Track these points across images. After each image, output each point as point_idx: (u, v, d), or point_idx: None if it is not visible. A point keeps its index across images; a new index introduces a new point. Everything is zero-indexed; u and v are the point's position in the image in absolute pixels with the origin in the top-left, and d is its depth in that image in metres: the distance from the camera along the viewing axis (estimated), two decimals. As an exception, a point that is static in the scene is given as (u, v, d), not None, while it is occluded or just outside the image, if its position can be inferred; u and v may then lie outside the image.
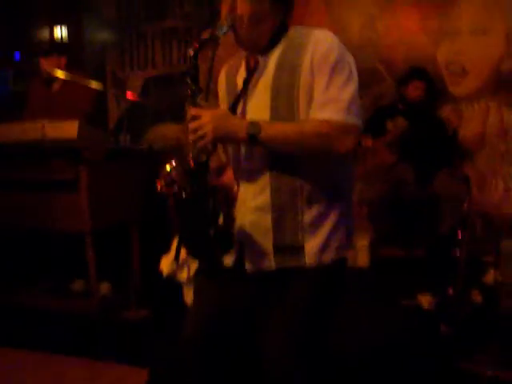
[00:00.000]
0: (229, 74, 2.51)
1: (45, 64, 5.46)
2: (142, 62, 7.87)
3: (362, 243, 5.54)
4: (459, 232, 5.09)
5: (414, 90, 5.76)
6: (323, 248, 2.27)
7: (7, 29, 7.91)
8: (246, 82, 2.36)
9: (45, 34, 8.10)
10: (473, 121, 6.14)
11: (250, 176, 2.33)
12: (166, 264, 3.79)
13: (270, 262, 2.28)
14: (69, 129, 4.59)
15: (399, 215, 5.58)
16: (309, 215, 2.26)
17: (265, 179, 2.28)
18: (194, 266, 3.94)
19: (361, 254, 5.53)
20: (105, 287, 5.10)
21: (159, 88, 7.50)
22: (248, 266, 2.32)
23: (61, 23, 8.06)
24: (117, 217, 4.96)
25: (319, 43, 2.26)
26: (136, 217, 5.16)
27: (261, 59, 2.35)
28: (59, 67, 5.50)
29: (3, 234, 4.98)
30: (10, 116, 6.01)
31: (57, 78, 5.48)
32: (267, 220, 2.28)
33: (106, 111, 7.83)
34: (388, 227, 5.69)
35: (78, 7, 8.22)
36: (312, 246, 2.26)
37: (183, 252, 4.20)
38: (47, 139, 4.63)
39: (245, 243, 2.32)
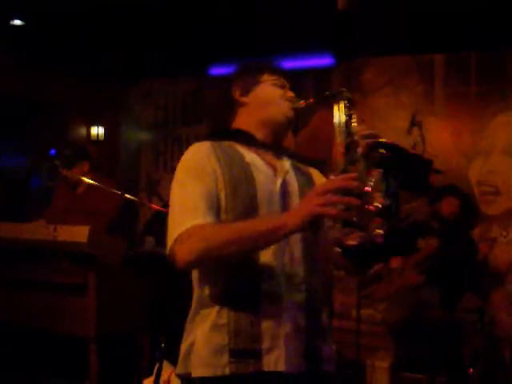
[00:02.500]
0: (230, 163, 2.20)
1: (68, 174, 5.48)
2: (176, 165, 7.90)
3: (382, 365, 5.31)
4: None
5: (449, 207, 5.61)
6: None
7: (46, 126, 8.05)
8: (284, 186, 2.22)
9: (82, 132, 8.24)
10: (504, 244, 5.94)
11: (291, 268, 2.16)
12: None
13: (302, 365, 2.10)
14: (80, 233, 4.53)
15: (422, 338, 5.34)
16: (325, 317, 2.21)
17: (301, 275, 2.15)
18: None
19: (380, 376, 5.29)
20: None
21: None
22: (284, 367, 2.08)
23: (98, 123, 8.19)
24: (124, 324, 4.82)
25: None
26: (144, 325, 5.01)
27: (278, 162, 2.29)
28: (82, 173, 5.50)
29: (10, 331, 4.90)
30: (38, 210, 6.06)
31: (82, 181, 5.47)
32: (302, 318, 2.12)
33: (137, 214, 7.86)
34: (410, 350, 5.45)
35: (116, 108, 8.38)
36: (332, 349, 2.21)
37: (165, 375, 4.06)
38: (58, 241, 4.58)
39: (284, 342, 2.09)
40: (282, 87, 2.34)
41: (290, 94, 2.34)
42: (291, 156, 2.38)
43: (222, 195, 2.10)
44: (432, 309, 5.28)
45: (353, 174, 1.91)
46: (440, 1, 5.24)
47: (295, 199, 2.20)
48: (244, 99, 2.34)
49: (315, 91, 7.22)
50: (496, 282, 5.85)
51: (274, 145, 2.33)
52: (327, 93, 2.25)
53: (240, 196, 2.10)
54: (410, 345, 5.49)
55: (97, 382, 4.66)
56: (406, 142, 6.59)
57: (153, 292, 5.00)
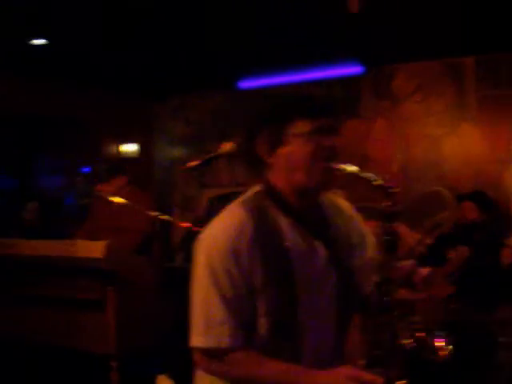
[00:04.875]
0: (268, 254, 1.92)
1: (104, 188, 5.46)
2: (209, 181, 7.86)
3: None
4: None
5: (467, 213, 5.45)
6: None
7: (79, 144, 8.12)
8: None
9: (114, 149, 8.28)
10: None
11: None
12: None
13: None
14: (97, 248, 4.49)
15: (456, 353, 5.13)
16: None
17: None
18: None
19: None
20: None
21: (223, 207, 7.44)
22: None
23: (130, 140, 8.23)
24: (145, 341, 4.75)
25: None
26: (163, 342, 4.94)
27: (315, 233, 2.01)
28: (120, 187, 5.49)
29: (30, 348, 4.89)
30: (72, 228, 6.08)
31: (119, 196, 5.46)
32: None
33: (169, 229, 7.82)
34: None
35: (149, 124, 8.41)
36: None
37: None
38: (76, 257, 4.55)
39: None
40: (316, 140, 1.89)
41: (330, 144, 1.91)
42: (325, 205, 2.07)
43: (260, 295, 1.88)
44: (465, 322, 5.11)
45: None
46: (468, 3, 5.10)
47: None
48: (269, 159, 1.94)
49: (344, 100, 7.13)
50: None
51: (310, 205, 2.00)
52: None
53: (278, 295, 1.89)
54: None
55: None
56: (438, 149, 6.46)
57: (179, 308, 4.93)
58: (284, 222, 1.93)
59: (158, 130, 8.52)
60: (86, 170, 7.90)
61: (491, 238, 5.50)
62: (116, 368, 4.55)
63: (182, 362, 2.09)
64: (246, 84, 7.59)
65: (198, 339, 1.89)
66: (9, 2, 5.08)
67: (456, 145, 6.36)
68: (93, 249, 4.52)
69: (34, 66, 6.93)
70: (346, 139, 1.97)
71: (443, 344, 1.99)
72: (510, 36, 5.73)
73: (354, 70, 6.89)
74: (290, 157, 1.90)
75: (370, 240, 2.11)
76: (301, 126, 1.89)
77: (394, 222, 1.86)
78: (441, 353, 1.98)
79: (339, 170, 1.89)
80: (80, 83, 7.57)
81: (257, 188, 2.00)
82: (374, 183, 1.87)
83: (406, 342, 1.94)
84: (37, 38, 5.99)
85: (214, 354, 1.89)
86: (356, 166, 1.91)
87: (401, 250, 1.96)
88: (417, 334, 1.95)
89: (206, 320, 1.88)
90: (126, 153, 8.25)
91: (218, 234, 1.89)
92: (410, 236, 5.91)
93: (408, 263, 2.09)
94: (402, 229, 5.62)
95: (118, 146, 8.26)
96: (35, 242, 4.91)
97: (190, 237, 6.86)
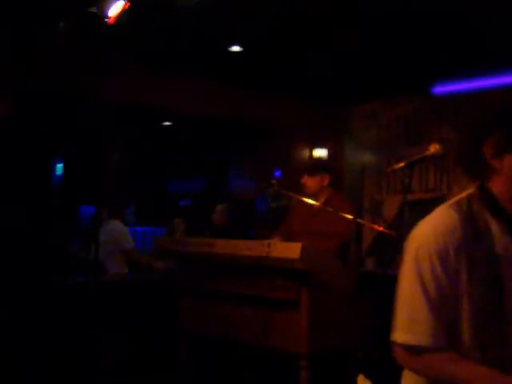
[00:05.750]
0: (477, 258, 1.92)
1: (308, 182, 5.49)
2: (399, 186, 7.78)
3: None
4: None
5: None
6: None
7: (272, 149, 8.31)
8: None
9: (305, 154, 8.39)
10: None
11: None
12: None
13: None
14: (293, 249, 4.56)
15: None
16: None
17: None
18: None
19: None
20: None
21: (414, 213, 7.33)
22: None
23: (321, 145, 8.31)
24: (337, 342, 4.76)
25: None
26: (356, 345, 4.92)
27: None
28: (322, 185, 5.48)
29: (223, 345, 5.05)
30: (265, 230, 6.22)
31: (319, 197, 5.45)
32: None
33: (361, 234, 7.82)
34: None
35: (340, 130, 8.46)
36: None
37: None
38: (272, 257, 4.64)
39: None
40: None
41: None
42: None
43: (464, 299, 1.87)
44: None
45: None
46: None
47: None
48: (495, 163, 1.88)
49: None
50: None
51: None
52: None
53: (484, 302, 1.87)
54: None
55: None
56: None
57: (374, 312, 4.90)
58: (496, 228, 1.89)
59: (349, 135, 8.56)
60: (277, 173, 8.06)
61: None
62: (306, 367, 4.62)
63: (381, 364, 2.10)
64: (440, 89, 7.45)
65: (399, 335, 1.91)
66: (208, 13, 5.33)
67: None
68: (289, 250, 4.60)
69: (232, 72, 7.18)
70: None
71: None
72: None
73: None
74: None
75: None
76: None
77: None
78: None
79: None
80: (274, 90, 7.75)
81: (468, 191, 1.98)
82: None
83: None
84: (234, 45, 6.22)
85: (414, 351, 1.90)
86: None
87: None
88: None
89: (409, 317, 1.89)
90: (318, 157, 8.35)
91: (427, 234, 1.90)
92: None
93: None
94: None
95: (310, 151, 8.38)
96: (232, 242, 5.05)
97: (382, 241, 6.86)
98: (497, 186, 1.91)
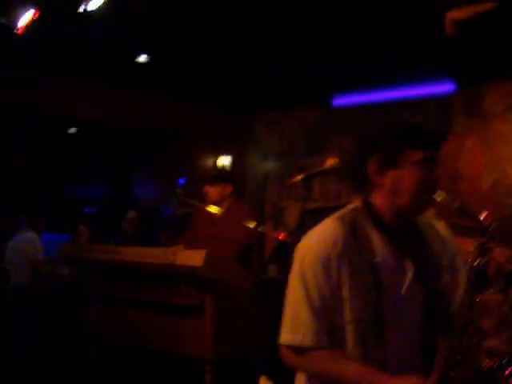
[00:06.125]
0: (358, 267, 2.09)
1: (210, 191, 5.61)
2: (301, 194, 7.99)
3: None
4: None
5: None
6: None
7: (176, 156, 8.40)
8: None
9: (209, 162, 8.52)
10: None
11: None
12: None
13: None
14: (196, 257, 4.69)
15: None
16: None
17: None
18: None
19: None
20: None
21: (314, 220, 7.58)
22: None
23: (225, 153, 8.46)
24: (241, 347, 4.92)
25: None
26: (259, 348, 5.09)
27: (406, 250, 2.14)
28: (223, 195, 5.62)
29: (128, 352, 5.12)
30: (170, 237, 6.30)
31: (221, 205, 5.57)
32: None
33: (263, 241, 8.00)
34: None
35: (243, 138, 8.63)
36: None
37: None
38: (176, 265, 4.76)
39: None
40: (426, 168, 2.05)
41: (435, 176, 2.06)
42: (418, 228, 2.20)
43: (346, 304, 2.06)
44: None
45: None
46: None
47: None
48: (378, 179, 2.08)
49: (437, 118, 7.18)
50: None
51: (404, 224, 2.15)
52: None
53: (365, 306, 2.05)
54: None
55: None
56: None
57: (273, 317, 5.06)
58: (377, 239, 2.10)
59: (253, 143, 8.73)
60: (181, 181, 8.16)
61: None
62: (211, 371, 4.77)
63: (282, 365, 2.28)
64: (340, 101, 7.72)
65: (285, 337, 2.12)
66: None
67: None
68: (192, 257, 4.73)
69: (139, 81, 7.25)
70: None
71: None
72: None
73: (446, 88, 6.94)
74: (399, 181, 2.05)
75: (462, 263, 2.22)
76: (414, 155, 2.03)
77: (487, 256, 2.00)
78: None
79: (441, 202, 2.04)
80: (180, 98, 7.85)
81: (354, 204, 2.17)
82: (474, 219, 2.01)
83: (483, 366, 2.05)
84: (141, 54, 6.31)
85: (298, 351, 2.10)
86: (447, 182, 2.06)
87: (490, 268, 2.07)
88: (492, 361, 2.05)
89: (294, 320, 2.11)
90: (222, 166, 8.49)
91: (312, 245, 2.10)
92: (499, 253, 5.93)
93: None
94: (492, 246, 5.65)
95: (214, 159, 8.51)
96: (137, 249, 5.17)
97: (283, 249, 7.07)
98: (378, 200, 2.11)
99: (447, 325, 2.07)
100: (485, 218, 2.01)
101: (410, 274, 2.10)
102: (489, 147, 6.74)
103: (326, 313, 2.07)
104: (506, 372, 2.07)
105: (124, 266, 5.09)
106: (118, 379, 5.30)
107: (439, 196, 2.05)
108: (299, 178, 4.21)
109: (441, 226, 2.28)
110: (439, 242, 2.22)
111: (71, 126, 9.01)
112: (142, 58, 6.25)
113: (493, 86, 6.83)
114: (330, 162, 4.22)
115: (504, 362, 2.07)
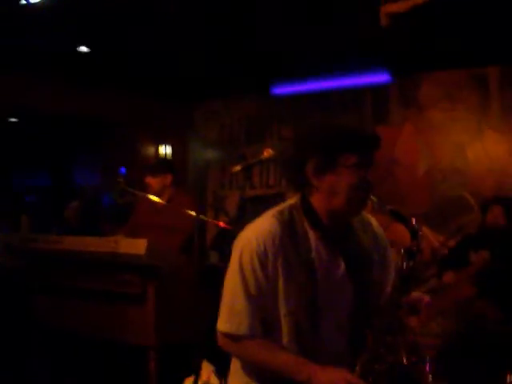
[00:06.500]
0: (295, 264, 2.19)
1: (151, 182, 5.64)
2: (241, 182, 8.08)
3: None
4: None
5: (492, 216, 5.59)
6: None
7: (117, 145, 8.40)
8: None
9: (150, 151, 8.54)
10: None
11: None
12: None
13: None
14: (139, 245, 4.74)
15: (476, 352, 5.31)
16: None
17: None
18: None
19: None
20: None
21: (255, 208, 7.66)
22: None
23: (167, 142, 8.49)
24: (184, 334, 4.97)
25: None
26: (201, 334, 5.17)
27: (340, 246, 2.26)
28: (164, 184, 5.66)
29: (72, 340, 5.14)
30: (112, 226, 6.31)
31: (163, 195, 5.61)
32: None
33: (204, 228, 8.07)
34: (464, 363, 5.41)
35: (184, 127, 8.67)
36: None
37: (205, 374, 4.23)
38: (119, 253, 4.80)
39: None
40: (361, 170, 2.12)
41: (369, 178, 2.14)
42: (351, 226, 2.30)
43: (282, 297, 2.16)
44: (486, 322, 5.25)
45: None
46: (491, 13, 5.28)
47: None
48: (315, 181, 2.15)
49: (373, 107, 7.35)
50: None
51: (339, 223, 2.24)
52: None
53: (299, 300, 2.16)
54: (463, 359, 5.44)
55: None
56: (463, 155, 6.65)
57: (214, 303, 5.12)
58: (312, 236, 2.20)
59: (194, 132, 8.77)
60: (123, 170, 8.15)
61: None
62: (154, 358, 4.83)
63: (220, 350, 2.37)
64: (279, 90, 7.81)
65: (222, 324, 2.22)
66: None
67: (480, 151, 6.55)
68: (135, 246, 4.78)
69: (78, 70, 7.21)
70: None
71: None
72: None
73: (382, 78, 7.09)
74: (336, 184, 2.13)
75: (392, 259, 2.37)
76: (350, 159, 2.10)
77: (415, 260, 2.13)
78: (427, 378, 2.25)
79: (377, 204, 2.19)
80: (120, 87, 7.84)
81: (293, 200, 2.27)
82: (405, 222, 2.15)
83: (403, 361, 2.17)
84: (81, 45, 6.29)
85: (234, 339, 2.21)
86: (385, 169, 2.19)
87: (424, 252, 2.20)
88: (412, 358, 2.18)
89: (230, 309, 2.20)
90: (161, 154, 8.52)
91: (251, 239, 2.18)
92: (433, 238, 6.12)
93: (417, 294, 2.35)
94: (426, 231, 5.82)
95: (155, 148, 8.53)
96: (79, 239, 5.18)
97: (223, 236, 7.16)
98: (316, 201, 2.20)
99: (374, 319, 2.18)
100: (416, 223, 2.14)
101: (341, 270, 2.22)
102: (423, 135, 6.93)
103: (261, 304, 2.17)
104: (427, 368, 2.25)
105: (67, 256, 5.10)
106: (62, 368, 5.32)
107: (372, 201, 2.18)
108: (238, 168, 4.30)
109: (373, 222, 2.39)
110: (372, 237, 2.34)
111: (11, 116, 8.92)
112: (83, 48, 6.23)
113: (428, 77, 7.01)
114: (268, 152, 4.34)
115: (425, 358, 2.25)
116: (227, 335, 2.21)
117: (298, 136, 2.28)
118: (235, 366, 2.34)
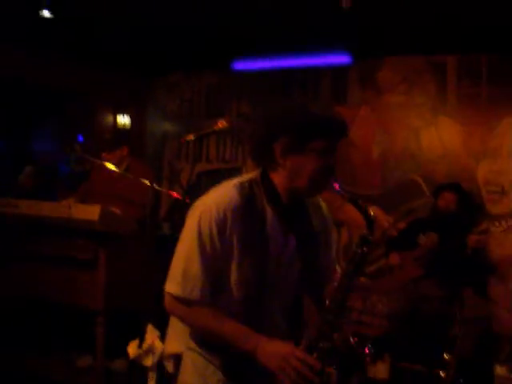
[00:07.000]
0: (250, 233, 2.25)
1: (108, 157, 5.63)
2: (198, 156, 8.12)
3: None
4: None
5: (444, 202, 5.74)
6: None
7: (75, 113, 8.35)
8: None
9: (108, 119, 8.52)
10: (507, 241, 6.06)
11: None
12: (132, 348, 3.89)
13: None
14: (92, 211, 4.79)
15: (420, 331, 5.48)
16: None
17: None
18: (159, 352, 4.02)
19: (380, 366, 5.43)
20: (120, 363, 5.11)
21: (211, 181, 7.72)
22: None
23: (125, 112, 8.47)
24: (132, 300, 5.03)
25: None
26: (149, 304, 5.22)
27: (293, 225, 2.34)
28: (122, 156, 5.70)
29: (24, 303, 5.17)
30: (68, 193, 6.29)
31: (120, 165, 5.60)
32: None
33: (159, 199, 8.10)
34: (408, 342, 5.58)
35: (143, 98, 8.66)
36: None
37: (149, 338, 4.31)
38: (72, 219, 4.84)
39: None
40: (327, 155, 2.18)
41: (333, 163, 2.20)
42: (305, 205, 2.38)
43: (235, 265, 2.21)
44: (429, 301, 5.41)
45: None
46: (454, 3, 5.36)
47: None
48: (281, 160, 2.21)
49: (333, 87, 7.43)
50: (496, 278, 5.96)
51: (295, 203, 2.31)
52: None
53: (251, 270, 2.21)
54: (408, 337, 5.60)
55: (101, 354, 4.92)
56: (417, 140, 6.78)
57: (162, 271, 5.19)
58: (269, 212, 2.26)
59: (153, 104, 8.76)
60: (80, 138, 8.13)
61: (461, 225, 5.82)
62: (102, 323, 4.89)
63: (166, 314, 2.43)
64: (240, 66, 7.83)
65: (172, 286, 2.24)
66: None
67: (434, 137, 6.68)
68: (88, 212, 4.83)
69: (39, 37, 7.13)
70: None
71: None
72: (492, 38, 6.03)
73: (342, 59, 7.16)
74: (301, 165, 2.19)
75: (334, 242, 2.51)
76: (320, 144, 2.16)
77: (369, 248, 2.21)
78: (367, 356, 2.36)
79: (336, 190, 2.22)
80: (81, 55, 7.79)
81: (254, 174, 2.32)
82: (362, 210, 2.21)
83: (349, 340, 2.25)
84: (42, 10, 6.21)
85: (184, 303, 2.23)
86: (341, 150, 2.26)
87: (375, 233, 2.28)
88: (354, 338, 2.25)
89: (184, 272, 2.21)
90: (120, 124, 8.49)
91: (210, 205, 2.22)
92: (384, 219, 6.26)
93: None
94: (377, 212, 5.96)
95: (113, 117, 8.50)
96: (34, 203, 5.19)
97: (178, 207, 7.20)
98: (277, 178, 2.26)
99: (321, 298, 2.28)
100: (373, 214, 2.22)
101: (291, 247, 2.29)
102: (380, 119, 7.02)
103: (215, 271, 2.21)
104: (366, 350, 2.31)
105: (23, 220, 5.12)
106: (13, 330, 5.34)
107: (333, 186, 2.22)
108: (191, 137, 4.35)
109: (324, 206, 2.48)
110: (320, 220, 2.42)
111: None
112: (45, 13, 6.15)
113: (388, 61, 7.10)
114: (222, 123, 4.40)
115: (365, 340, 2.33)
116: (177, 298, 2.23)
117: (272, 114, 2.30)
118: (174, 329, 2.39)
